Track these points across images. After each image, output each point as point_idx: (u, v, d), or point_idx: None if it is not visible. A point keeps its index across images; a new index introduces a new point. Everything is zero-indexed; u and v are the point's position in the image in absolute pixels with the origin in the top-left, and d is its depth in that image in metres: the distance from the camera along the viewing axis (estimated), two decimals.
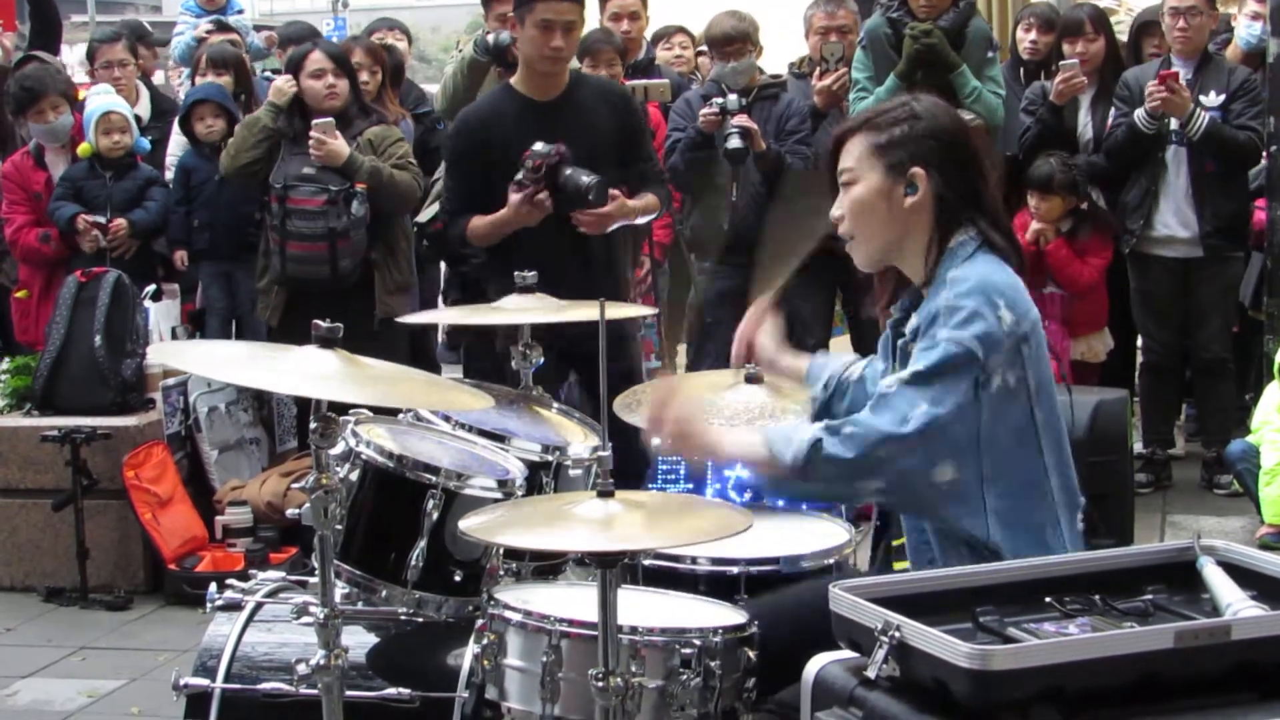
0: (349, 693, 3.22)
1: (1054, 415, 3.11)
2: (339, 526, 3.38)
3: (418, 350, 7.04)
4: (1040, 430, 3.06)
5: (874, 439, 2.94)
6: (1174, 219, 7.01)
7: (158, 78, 9.92)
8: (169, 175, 7.35)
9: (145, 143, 7.34)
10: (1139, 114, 6.82)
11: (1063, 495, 3.10)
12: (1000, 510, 3.01)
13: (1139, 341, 7.48)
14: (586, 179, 4.91)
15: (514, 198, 4.97)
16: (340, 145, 6.37)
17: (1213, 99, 6.94)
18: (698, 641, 3.12)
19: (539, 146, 4.92)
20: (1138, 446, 7.11)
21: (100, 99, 7.19)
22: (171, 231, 7.26)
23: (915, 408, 2.93)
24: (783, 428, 3.13)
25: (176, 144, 7.49)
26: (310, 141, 6.37)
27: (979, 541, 3.02)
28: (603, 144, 5.16)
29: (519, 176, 4.96)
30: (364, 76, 6.94)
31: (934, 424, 2.93)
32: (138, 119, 7.40)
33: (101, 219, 6.95)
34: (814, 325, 7.05)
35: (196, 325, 7.38)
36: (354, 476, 3.52)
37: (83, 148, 7.03)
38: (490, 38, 6.59)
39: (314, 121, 6.38)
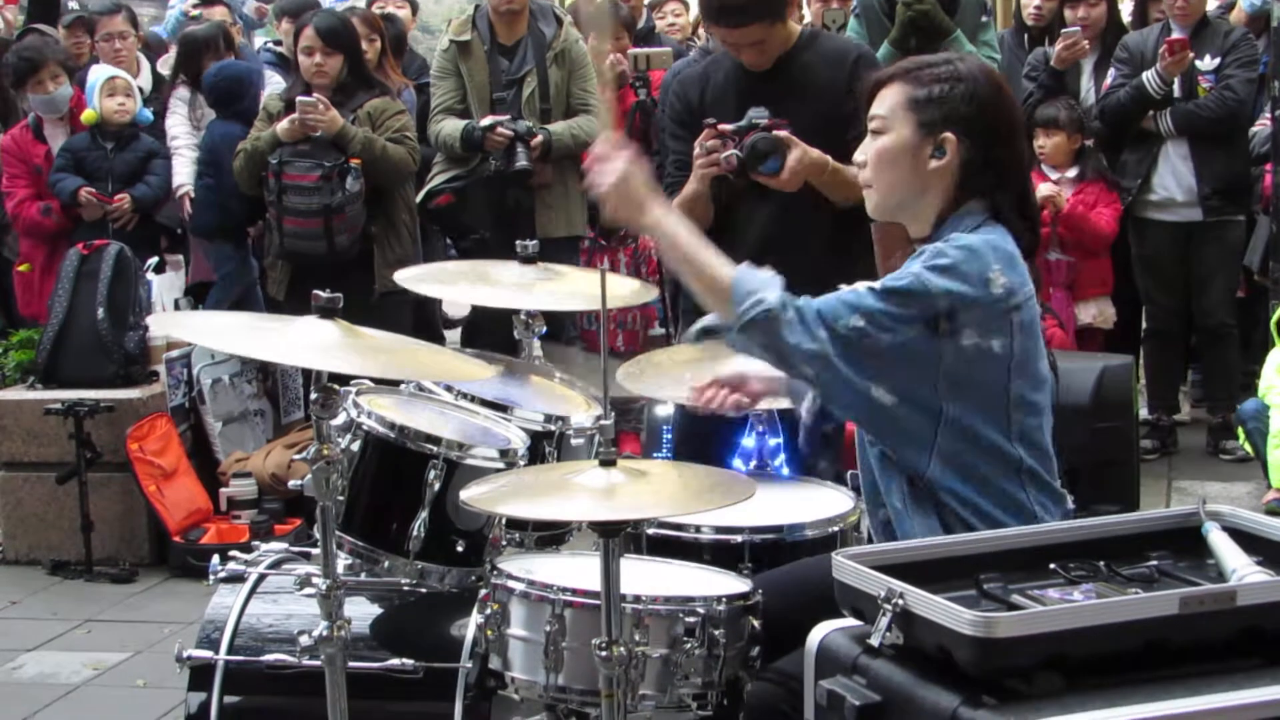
0: (352, 664, 3.22)
1: (1035, 392, 3.02)
2: (341, 497, 3.38)
3: (421, 321, 7.04)
4: (1011, 405, 2.98)
5: (810, 323, 2.90)
6: (1173, 180, 7.01)
7: None
8: (172, 145, 7.33)
9: (148, 114, 7.32)
10: (1149, 76, 6.80)
11: (1035, 473, 3.06)
12: (947, 452, 2.97)
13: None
14: (763, 144, 4.23)
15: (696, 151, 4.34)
16: (335, 116, 6.33)
17: (1208, 63, 6.96)
18: (701, 610, 3.12)
19: (754, 111, 4.29)
20: (1143, 412, 7.11)
21: (103, 69, 7.19)
22: (196, 212, 7.24)
23: (853, 315, 2.89)
24: (753, 279, 2.98)
25: (177, 119, 7.46)
26: (295, 122, 6.32)
27: (916, 474, 2.99)
28: (819, 112, 4.41)
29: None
30: (361, 46, 6.90)
31: (859, 337, 2.89)
32: (140, 90, 7.38)
33: (105, 194, 6.91)
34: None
35: (198, 298, 7.36)
36: (355, 447, 3.51)
37: (87, 114, 7.01)
38: (474, 134, 6.54)
39: (298, 100, 6.34)
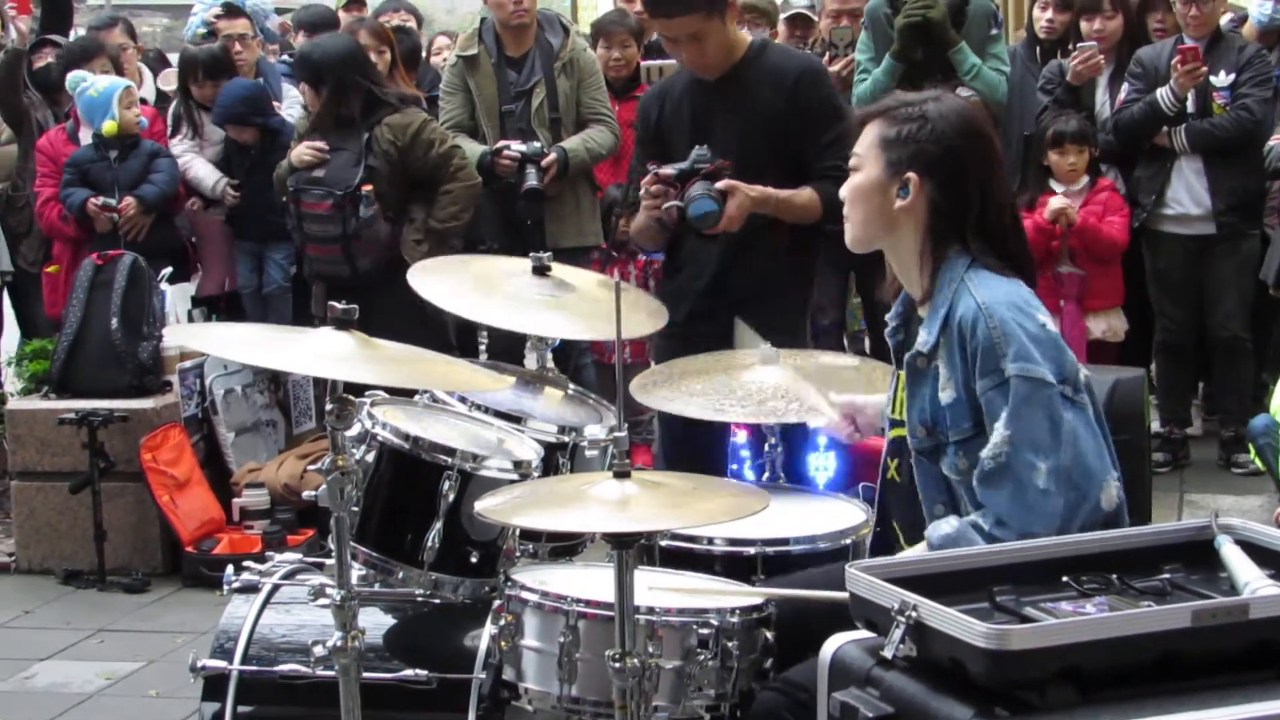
0: (366, 674, 3.22)
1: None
2: (355, 508, 3.39)
3: (430, 332, 7.04)
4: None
5: (1026, 523, 2.87)
6: (1186, 196, 7.00)
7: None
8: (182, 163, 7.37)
9: (144, 120, 7.34)
10: (1163, 93, 6.79)
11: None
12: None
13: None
14: (701, 205, 4.28)
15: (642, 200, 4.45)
16: None
17: (1223, 79, 6.94)
18: (715, 622, 3.13)
19: (696, 151, 4.35)
20: (1155, 425, 7.09)
21: (107, 79, 7.18)
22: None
23: (1034, 472, 2.87)
24: (945, 536, 2.98)
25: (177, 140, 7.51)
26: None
27: None
28: (763, 131, 4.49)
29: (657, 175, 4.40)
30: (371, 58, 6.90)
31: (1062, 474, 2.88)
32: (144, 101, 7.42)
33: (112, 201, 6.91)
34: (828, 306, 7.06)
35: (212, 308, 7.38)
36: (370, 458, 3.53)
37: (108, 126, 6.96)
38: (485, 159, 6.56)
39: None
